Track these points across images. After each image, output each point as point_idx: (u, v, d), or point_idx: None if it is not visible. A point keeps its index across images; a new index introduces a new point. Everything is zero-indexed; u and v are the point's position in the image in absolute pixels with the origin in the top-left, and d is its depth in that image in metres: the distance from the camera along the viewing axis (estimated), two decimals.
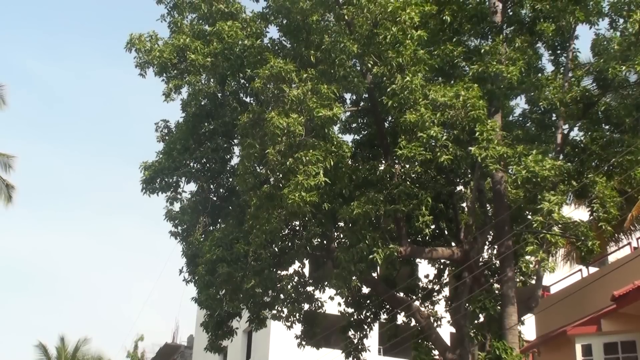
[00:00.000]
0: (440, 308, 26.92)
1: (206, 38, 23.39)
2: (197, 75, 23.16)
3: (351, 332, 26.64)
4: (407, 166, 21.33)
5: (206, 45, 22.96)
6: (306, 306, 25.96)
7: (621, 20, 21.44)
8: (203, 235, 24.02)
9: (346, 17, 20.12)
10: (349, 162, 22.32)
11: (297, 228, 24.19)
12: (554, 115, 23.00)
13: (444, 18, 22.15)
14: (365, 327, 26.66)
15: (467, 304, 22.69)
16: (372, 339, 28.13)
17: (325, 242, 23.98)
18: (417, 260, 26.85)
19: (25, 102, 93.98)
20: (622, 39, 20.82)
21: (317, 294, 25.84)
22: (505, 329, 21.08)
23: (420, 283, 27.47)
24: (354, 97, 24.31)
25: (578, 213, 24.27)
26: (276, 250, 23.43)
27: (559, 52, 23.86)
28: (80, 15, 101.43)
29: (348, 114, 25.12)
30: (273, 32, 62.86)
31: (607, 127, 22.87)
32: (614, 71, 19.86)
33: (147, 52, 23.17)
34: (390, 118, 23.03)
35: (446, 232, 25.49)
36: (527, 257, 22.14)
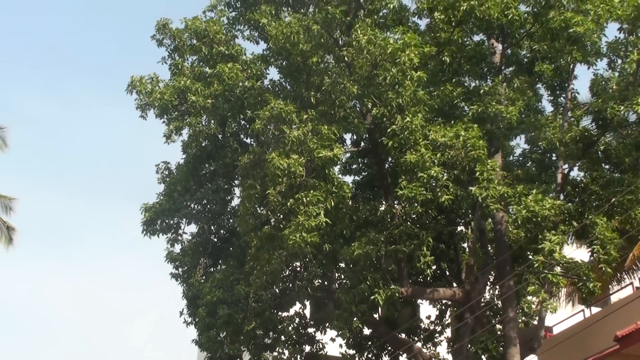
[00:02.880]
0: (443, 349, 26.75)
1: (207, 80, 23.55)
2: (197, 117, 23.27)
3: None
4: (408, 206, 21.30)
5: (207, 87, 23.10)
6: (307, 348, 25.78)
7: (619, 61, 21.58)
8: (203, 277, 23.98)
9: (346, 58, 20.26)
10: (350, 203, 22.30)
11: (298, 269, 24.14)
12: (553, 155, 23.04)
13: (443, 59, 22.30)
14: None
15: (469, 345, 22.52)
16: None
17: (326, 283, 23.91)
18: (419, 301, 26.77)
19: (26, 143, 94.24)
20: (620, 79, 20.95)
21: (318, 335, 25.69)
22: None
23: (422, 324, 27.33)
24: (355, 138, 24.42)
25: (579, 253, 24.20)
26: (277, 291, 23.36)
27: (558, 92, 23.98)
28: (82, 57, 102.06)
29: (348, 154, 25.21)
30: (273, 73, 63.19)
31: (607, 166, 22.90)
32: (612, 111, 19.96)
33: (148, 94, 23.34)
34: (390, 158, 23.08)
35: (447, 273, 25.43)
36: (529, 298, 22.03)
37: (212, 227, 25.45)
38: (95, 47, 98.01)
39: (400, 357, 26.21)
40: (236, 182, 24.97)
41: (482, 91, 21.66)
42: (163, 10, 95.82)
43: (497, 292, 24.02)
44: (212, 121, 24.08)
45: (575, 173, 23.35)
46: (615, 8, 20.56)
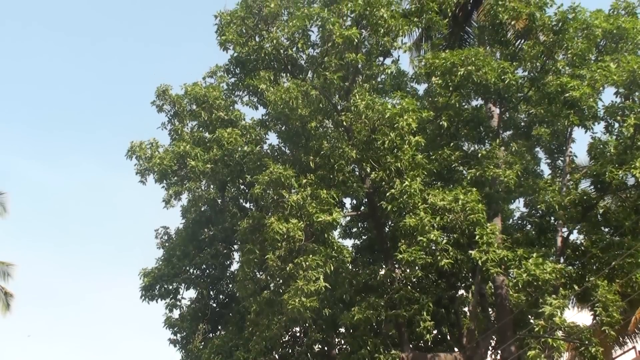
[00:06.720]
0: None
1: (206, 145, 23.61)
2: (197, 182, 23.28)
3: None
4: (408, 270, 21.23)
5: (206, 151, 23.15)
6: None
7: (616, 124, 21.68)
8: (202, 343, 23.76)
9: (345, 123, 20.38)
10: (349, 267, 22.22)
11: (298, 334, 23.95)
12: (553, 218, 23.04)
13: (441, 123, 22.43)
14: None
15: None
16: None
17: (326, 348, 23.68)
18: None
19: (25, 209, 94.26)
20: (618, 143, 21.03)
21: None
22: None
23: None
24: (354, 202, 24.43)
25: (581, 317, 24.05)
26: (277, 357, 23.14)
27: (556, 155, 24.11)
28: (81, 122, 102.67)
29: (348, 218, 25.18)
30: (272, 138, 63.62)
31: (606, 229, 22.87)
32: (611, 174, 20.03)
33: (148, 159, 23.37)
34: (390, 222, 23.07)
35: (448, 337, 25.18)
36: None
37: (211, 292, 25.32)
38: (95, 112, 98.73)
39: None
40: (235, 246, 24.92)
41: (480, 155, 21.77)
42: (163, 76, 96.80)
43: (498, 357, 23.75)
44: (212, 186, 24.12)
45: (575, 236, 23.36)
46: (612, 73, 20.72)
